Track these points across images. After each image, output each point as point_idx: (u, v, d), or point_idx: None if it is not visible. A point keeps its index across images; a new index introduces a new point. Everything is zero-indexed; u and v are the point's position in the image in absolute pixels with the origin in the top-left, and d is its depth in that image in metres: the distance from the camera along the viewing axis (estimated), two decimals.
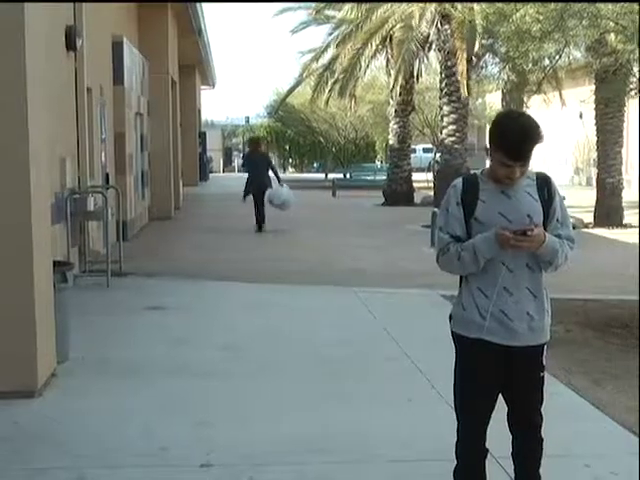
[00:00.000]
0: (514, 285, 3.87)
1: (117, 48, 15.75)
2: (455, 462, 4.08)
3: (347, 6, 26.91)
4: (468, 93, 23.16)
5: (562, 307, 9.38)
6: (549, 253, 3.84)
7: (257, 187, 18.35)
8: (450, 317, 4.04)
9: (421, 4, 23.38)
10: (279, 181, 18.89)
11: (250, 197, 18.57)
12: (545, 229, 3.88)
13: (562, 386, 6.57)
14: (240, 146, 69.84)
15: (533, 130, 3.74)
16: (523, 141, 3.72)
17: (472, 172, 4.04)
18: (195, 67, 33.21)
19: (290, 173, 54.21)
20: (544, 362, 3.99)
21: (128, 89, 16.40)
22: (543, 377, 4.01)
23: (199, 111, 38.86)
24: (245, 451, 5.16)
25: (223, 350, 7.67)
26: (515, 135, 3.71)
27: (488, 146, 3.83)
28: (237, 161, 62.08)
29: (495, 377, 3.94)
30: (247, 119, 67.53)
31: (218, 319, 9.15)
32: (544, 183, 3.94)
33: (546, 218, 3.90)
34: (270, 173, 18.79)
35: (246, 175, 19.20)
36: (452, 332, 4.02)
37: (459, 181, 3.98)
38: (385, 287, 11.22)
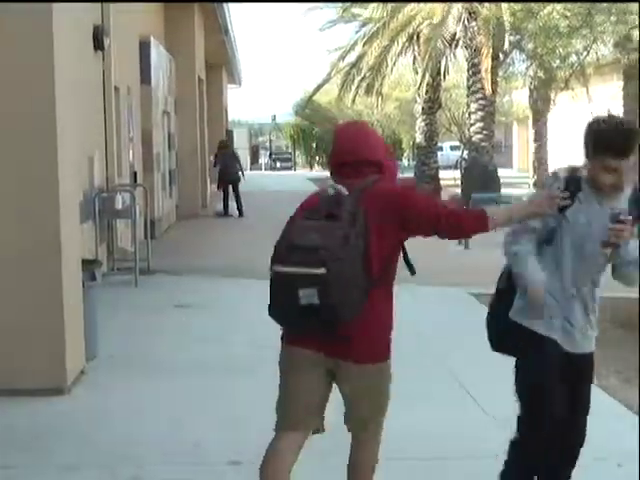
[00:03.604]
0: (579, 297, 3.83)
1: (144, 47, 15.83)
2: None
3: (372, 5, 26.88)
4: (492, 90, 23.02)
5: None
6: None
7: (227, 180, 21.48)
8: (516, 311, 3.89)
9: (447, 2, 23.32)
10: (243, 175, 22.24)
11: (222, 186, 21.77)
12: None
13: (592, 385, 6.50)
14: (267, 144, 70.05)
15: (636, 129, 3.69)
16: (630, 137, 3.64)
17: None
18: (222, 66, 33.25)
19: (317, 171, 54.23)
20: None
21: (155, 88, 16.47)
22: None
23: (226, 109, 38.90)
24: None
25: (250, 347, 7.66)
26: (622, 132, 3.63)
27: (585, 155, 3.74)
28: (263, 159, 62.23)
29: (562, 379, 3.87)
30: (274, 117, 67.72)
31: (245, 316, 9.12)
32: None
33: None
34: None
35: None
36: (520, 325, 3.86)
37: (561, 175, 3.87)
38: (413, 284, 11.15)
